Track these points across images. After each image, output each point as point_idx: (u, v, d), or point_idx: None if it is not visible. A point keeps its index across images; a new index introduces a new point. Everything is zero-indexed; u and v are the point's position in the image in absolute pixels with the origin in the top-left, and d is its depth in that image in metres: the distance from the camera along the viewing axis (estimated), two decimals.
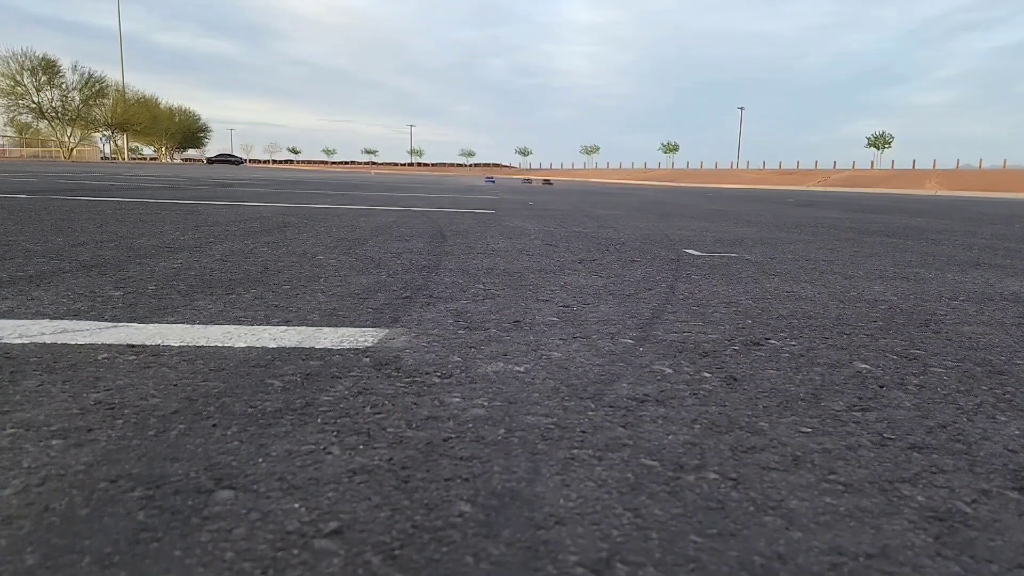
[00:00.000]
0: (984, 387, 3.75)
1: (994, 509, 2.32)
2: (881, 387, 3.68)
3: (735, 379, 3.77)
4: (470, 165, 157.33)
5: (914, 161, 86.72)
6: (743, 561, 1.97)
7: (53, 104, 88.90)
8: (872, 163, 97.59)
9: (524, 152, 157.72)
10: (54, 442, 2.61)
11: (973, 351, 4.55)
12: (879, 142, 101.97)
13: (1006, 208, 29.12)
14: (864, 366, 4.15)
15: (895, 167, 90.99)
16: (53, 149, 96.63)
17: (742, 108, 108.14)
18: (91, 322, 4.51)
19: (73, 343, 3.99)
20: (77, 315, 4.73)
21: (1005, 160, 79.13)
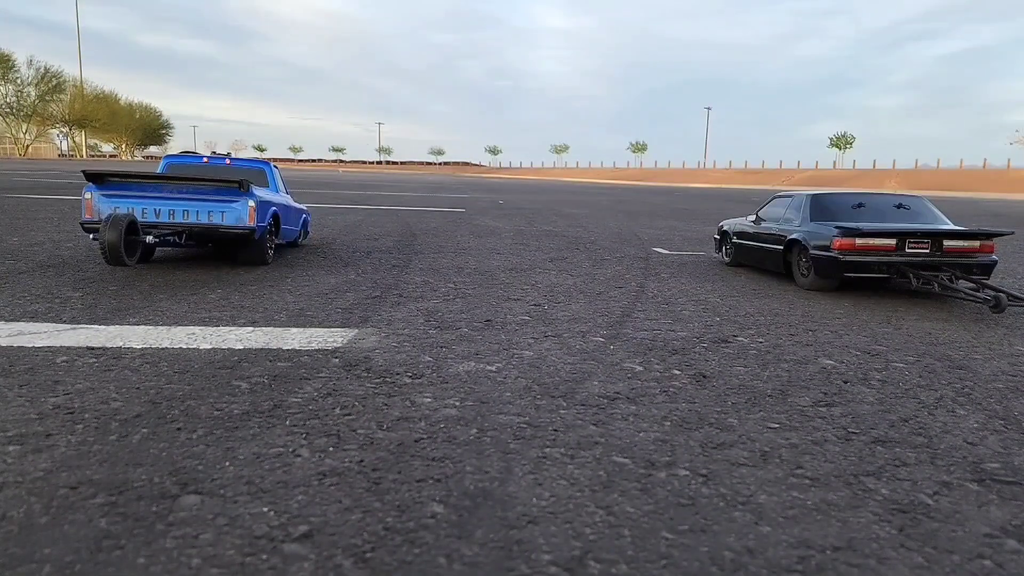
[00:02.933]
0: (944, 381, 3.84)
1: (955, 501, 2.38)
2: (845, 383, 3.76)
3: (704, 376, 3.81)
4: (439, 164, 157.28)
5: (874, 161, 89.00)
6: (714, 556, 2.00)
7: (7, 99, 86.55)
8: (835, 163, 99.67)
9: (494, 151, 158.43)
10: (11, 448, 2.54)
11: (933, 346, 4.67)
12: (841, 142, 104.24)
13: (963, 207, 29.99)
14: (829, 362, 4.23)
15: (857, 167, 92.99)
16: (7, 146, 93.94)
17: (709, 108, 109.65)
18: (49, 324, 4.41)
19: (30, 346, 3.88)
20: (34, 317, 4.62)
21: (961, 160, 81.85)
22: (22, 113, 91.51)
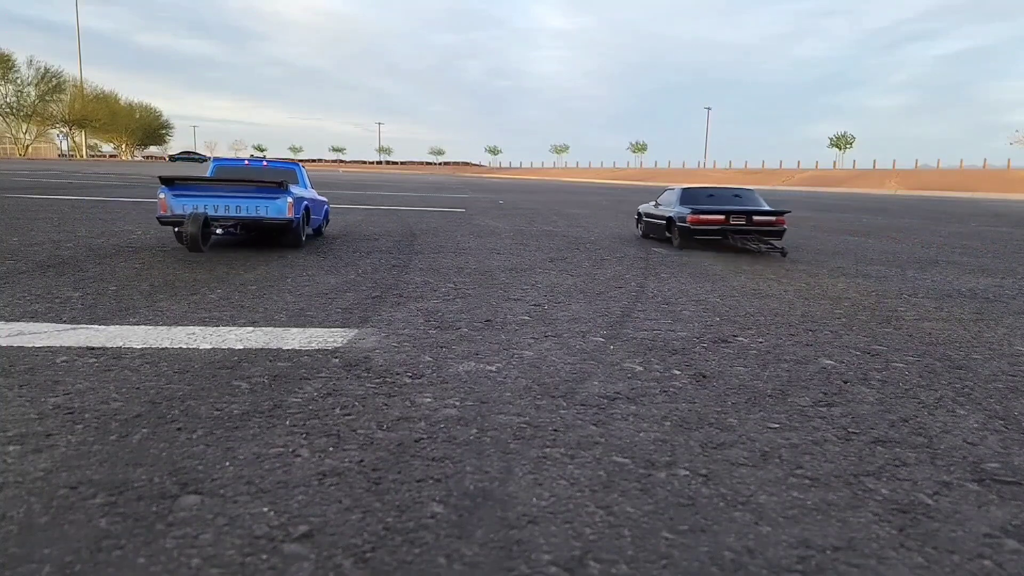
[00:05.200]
0: (944, 381, 3.85)
1: (955, 501, 2.38)
2: (845, 383, 3.76)
3: (704, 376, 3.82)
4: (439, 164, 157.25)
5: (875, 161, 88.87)
6: (714, 556, 2.00)
7: (7, 99, 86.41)
8: (834, 163, 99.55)
9: (493, 151, 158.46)
10: (11, 448, 2.54)
11: (933, 346, 4.67)
12: (841, 142, 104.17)
13: (963, 207, 29.99)
14: (829, 362, 4.23)
15: (856, 167, 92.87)
16: (8, 146, 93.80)
17: (708, 108, 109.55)
18: (49, 324, 4.41)
19: (30, 346, 3.88)
20: (34, 317, 4.63)
21: (961, 160, 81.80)
22: (22, 113, 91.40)
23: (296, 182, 9.30)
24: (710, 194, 10.97)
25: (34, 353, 3.68)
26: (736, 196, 11.01)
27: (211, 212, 7.65)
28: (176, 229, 7.77)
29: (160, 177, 7.88)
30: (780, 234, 10.17)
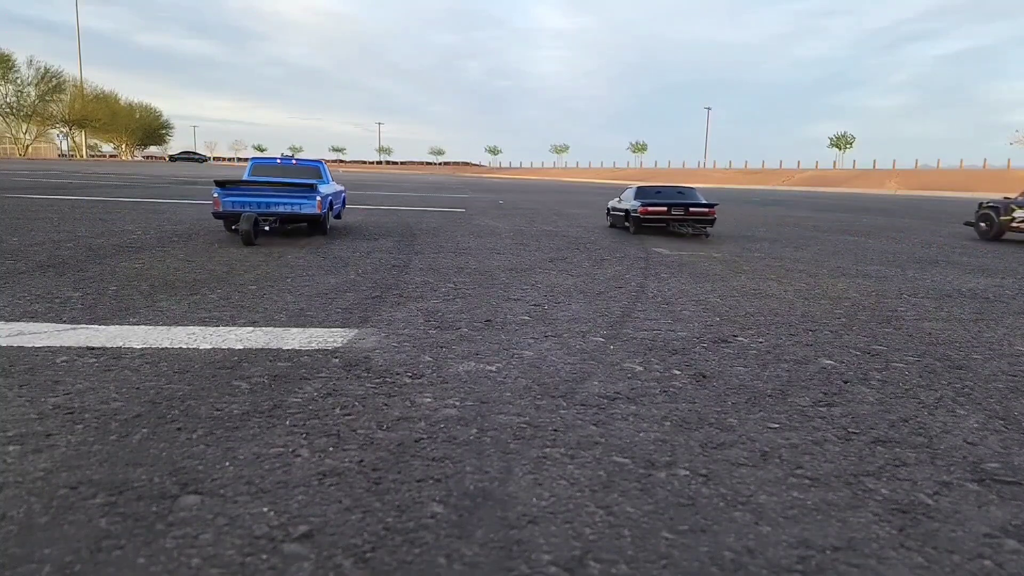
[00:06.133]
0: (944, 381, 3.85)
1: (955, 501, 2.38)
2: (845, 383, 3.76)
3: (704, 376, 3.82)
4: (439, 163, 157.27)
5: (875, 161, 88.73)
6: (714, 556, 2.00)
7: (7, 99, 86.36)
8: (835, 163, 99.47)
9: (494, 151, 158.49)
10: (11, 448, 2.54)
11: (933, 346, 4.67)
12: (841, 142, 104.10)
13: (963, 207, 30.01)
14: (829, 362, 4.23)
15: (857, 167, 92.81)
16: (8, 146, 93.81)
17: (708, 108, 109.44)
18: (49, 324, 4.41)
19: (30, 346, 3.88)
20: (34, 317, 4.63)
21: (961, 160, 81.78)
22: (22, 113, 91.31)
23: (320, 177, 11.19)
24: (658, 191, 13.71)
25: (34, 353, 3.68)
26: (679, 193, 13.72)
27: (256, 211, 9.40)
28: (233, 227, 9.80)
29: (215, 180, 9.65)
30: (711, 222, 12.56)
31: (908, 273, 8.29)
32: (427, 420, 2.92)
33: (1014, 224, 13.46)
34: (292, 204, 9.67)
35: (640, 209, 12.44)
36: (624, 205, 13.45)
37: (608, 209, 14.85)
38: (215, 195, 9.35)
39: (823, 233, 14.50)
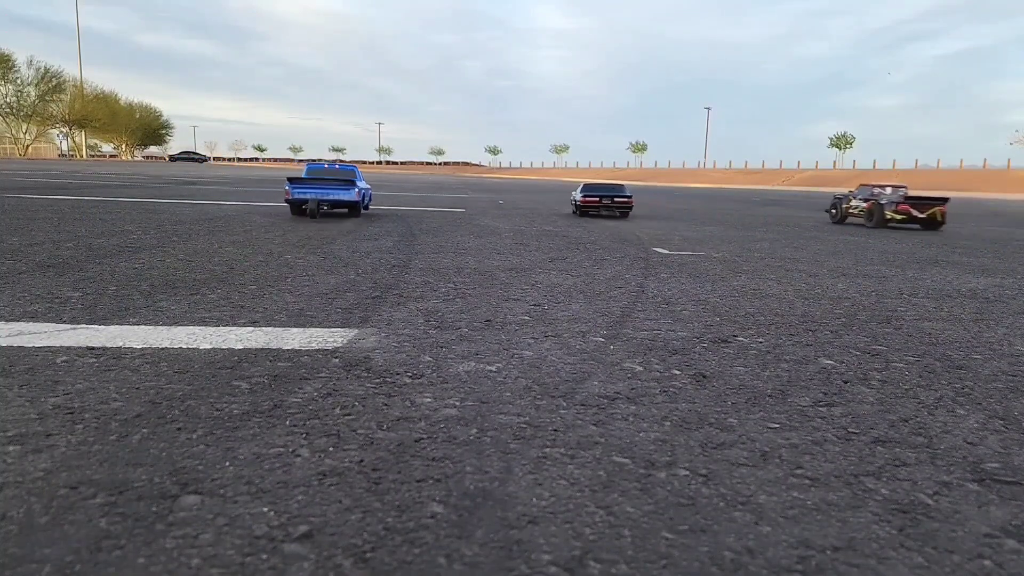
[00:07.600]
0: (944, 381, 3.84)
1: (955, 501, 2.38)
2: (845, 383, 3.76)
3: (704, 376, 3.81)
4: (439, 163, 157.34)
5: (875, 161, 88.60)
6: (714, 556, 2.00)
7: (7, 99, 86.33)
8: (835, 163, 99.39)
9: (494, 151, 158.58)
10: (11, 448, 2.54)
11: (933, 346, 4.67)
12: (841, 142, 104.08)
13: (962, 206, 30.02)
14: (829, 362, 4.23)
15: (857, 167, 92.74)
16: (8, 146, 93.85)
17: (708, 108, 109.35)
18: (49, 324, 4.40)
19: (30, 346, 3.88)
20: (34, 317, 4.62)
21: (961, 160, 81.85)
22: (22, 113, 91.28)
23: (355, 177, 14.94)
24: (597, 186, 18.04)
25: (34, 353, 3.68)
26: (612, 187, 17.99)
27: (315, 197, 13.36)
28: (303, 207, 13.51)
29: (288, 177, 13.91)
30: (629, 208, 17.27)
31: (908, 273, 8.29)
32: (427, 420, 2.92)
33: (851, 211, 17.88)
34: (338, 193, 13.65)
35: (579, 200, 17.11)
36: (573, 197, 18.09)
37: (572, 200, 19.00)
38: (287, 188, 13.52)
39: (823, 232, 14.50)
